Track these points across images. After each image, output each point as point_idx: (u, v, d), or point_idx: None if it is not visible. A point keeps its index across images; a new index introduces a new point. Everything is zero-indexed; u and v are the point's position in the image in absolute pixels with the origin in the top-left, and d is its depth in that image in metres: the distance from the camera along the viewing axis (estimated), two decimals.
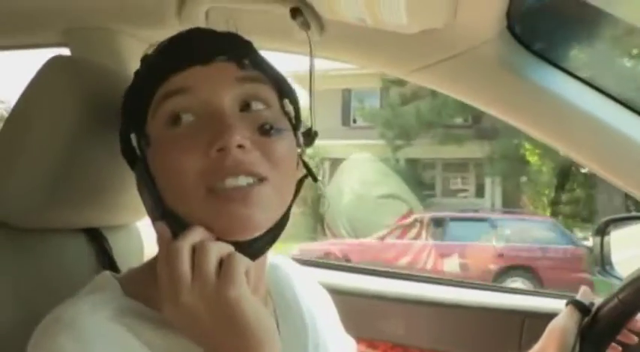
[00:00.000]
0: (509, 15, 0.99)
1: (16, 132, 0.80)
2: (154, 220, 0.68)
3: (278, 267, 0.89)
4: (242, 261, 0.63)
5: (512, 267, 8.22)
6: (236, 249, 0.64)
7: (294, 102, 0.75)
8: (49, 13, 1.12)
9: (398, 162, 12.34)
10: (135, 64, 0.77)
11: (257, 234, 0.67)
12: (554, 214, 12.14)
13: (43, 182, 0.78)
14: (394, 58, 1.15)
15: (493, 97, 1.14)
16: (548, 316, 1.00)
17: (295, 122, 0.74)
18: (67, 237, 0.89)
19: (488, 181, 12.86)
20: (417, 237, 8.65)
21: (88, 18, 1.10)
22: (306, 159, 0.77)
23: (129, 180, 0.77)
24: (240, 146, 0.64)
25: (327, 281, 1.02)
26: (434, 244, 8.40)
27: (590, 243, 10.63)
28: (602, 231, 1.21)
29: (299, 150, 0.74)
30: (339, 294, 0.99)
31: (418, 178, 12.73)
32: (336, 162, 11.17)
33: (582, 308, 0.96)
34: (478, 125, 12.43)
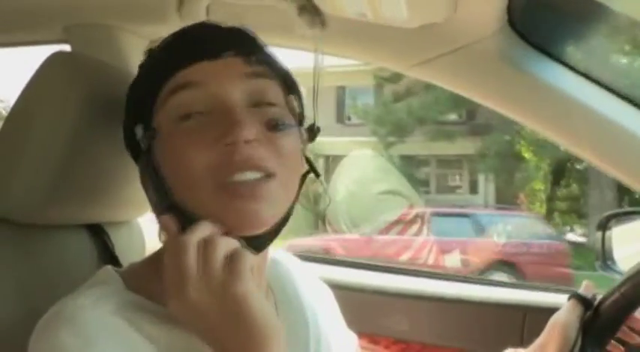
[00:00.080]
0: (510, 9, 0.99)
1: (18, 128, 0.80)
2: (158, 213, 0.68)
3: (279, 262, 0.89)
4: (248, 257, 0.63)
5: (495, 262, 8.25)
6: (240, 244, 0.65)
7: (299, 98, 0.76)
8: (50, 10, 1.11)
9: (391, 159, 12.32)
10: (135, 61, 0.77)
11: (264, 229, 0.67)
12: (550, 210, 12.15)
13: (45, 178, 0.78)
14: (395, 53, 1.15)
15: (494, 91, 1.14)
16: (550, 310, 0.99)
17: (300, 118, 0.74)
18: (69, 232, 0.89)
19: (481, 177, 12.84)
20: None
21: (88, 14, 1.10)
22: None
23: (131, 176, 0.77)
24: (248, 141, 0.65)
25: (328, 277, 1.03)
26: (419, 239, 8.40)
27: (583, 239, 10.72)
28: (603, 226, 1.21)
29: (302, 146, 0.74)
30: (340, 289, 1.00)
31: (412, 175, 12.72)
32: (329, 159, 11.17)
33: (584, 302, 0.96)
34: (472, 121, 12.43)
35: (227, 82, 0.68)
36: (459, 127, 12.61)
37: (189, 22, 0.75)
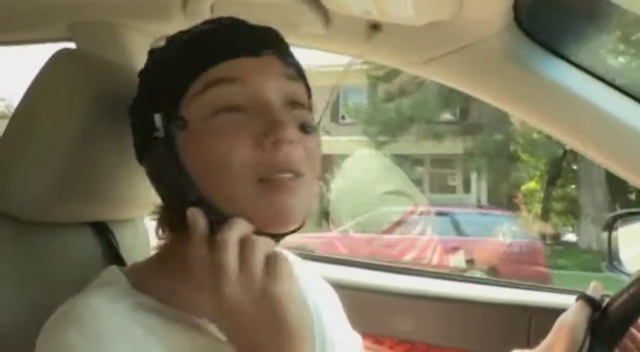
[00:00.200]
0: (516, 7, 0.98)
1: (24, 126, 0.80)
2: (177, 207, 0.67)
3: None
4: (288, 259, 0.63)
5: (472, 260, 8.28)
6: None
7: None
8: (54, 8, 1.12)
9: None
10: (140, 58, 0.77)
11: (293, 227, 0.67)
12: (545, 210, 12.17)
13: (51, 176, 0.78)
14: (400, 51, 1.14)
15: (500, 90, 1.13)
16: (557, 312, 0.99)
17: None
18: (74, 230, 0.89)
19: (473, 177, 12.83)
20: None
21: (92, 12, 1.10)
22: None
23: (136, 174, 0.77)
24: (290, 141, 0.65)
25: (331, 276, 1.02)
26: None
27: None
28: (609, 227, 1.20)
29: None
30: (344, 289, 0.99)
31: (406, 174, 12.71)
32: (323, 159, 11.16)
33: (592, 303, 0.95)
34: (466, 121, 12.42)
35: (267, 80, 0.68)
36: (452, 127, 12.60)
37: (193, 20, 0.76)
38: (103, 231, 0.94)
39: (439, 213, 9.15)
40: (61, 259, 0.85)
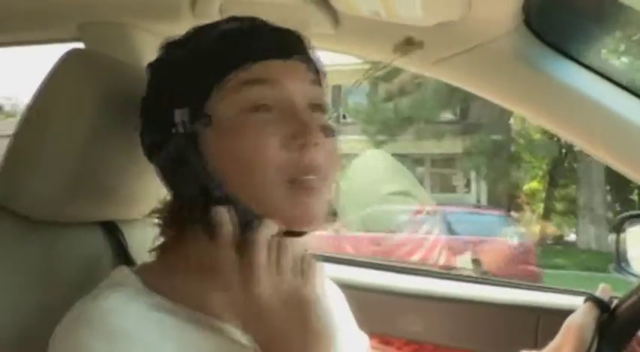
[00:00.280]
0: (526, 8, 0.98)
1: (35, 126, 0.80)
2: (196, 205, 0.67)
3: None
4: (317, 262, 0.64)
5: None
6: None
7: None
8: (64, 8, 1.12)
9: None
10: (149, 58, 0.77)
11: (317, 226, 0.69)
12: (547, 210, 12.15)
13: (61, 175, 0.78)
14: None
15: (509, 91, 1.13)
16: (564, 313, 0.98)
17: None
18: (84, 230, 0.89)
19: (473, 177, 12.79)
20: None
21: (102, 13, 1.11)
22: None
23: (145, 173, 0.77)
24: (316, 144, 0.67)
25: (339, 276, 1.02)
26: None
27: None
28: (618, 228, 1.20)
29: None
30: (351, 289, 0.99)
31: None
32: None
33: (601, 305, 0.95)
34: (466, 120, 12.39)
35: (294, 83, 0.69)
36: (452, 126, 12.57)
37: (202, 20, 0.76)
38: (112, 231, 0.94)
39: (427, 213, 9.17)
40: (71, 258, 0.86)
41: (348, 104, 13.35)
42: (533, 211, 12.70)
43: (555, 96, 1.07)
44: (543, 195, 12.66)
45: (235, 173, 0.66)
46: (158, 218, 0.75)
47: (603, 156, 1.12)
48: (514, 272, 7.48)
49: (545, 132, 11.11)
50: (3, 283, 0.76)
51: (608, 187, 11.41)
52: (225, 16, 0.76)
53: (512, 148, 12.12)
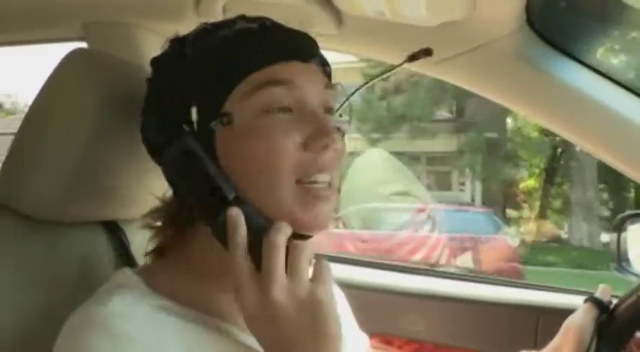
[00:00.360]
0: (529, 8, 0.98)
1: (38, 125, 0.80)
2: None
3: None
4: (329, 265, 0.64)
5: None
6: None
7: None
8: (67, 8, 1.12)
9: None
10: None
11: (324, 230, 0.69)
12: (543, 208, 12.16)
13: (64, 175, 0.78)
14: (412, 52, 1.14)
15: (512, 90, 1.13)
16: (564, 312, 0.99)
17: None
18: (85, 229, 0.89)
19: (468, 174, 12.76)
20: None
21: (105, 12, 1.11)
22: None
23: (147, 172, 0.77)
24: (335, 145, 0.68)
25: (339, 276, 1.02)
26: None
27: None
28: (618, 227, 1.20)
29: None
30: (352, 288, 0.99)
31: None
32: None
33: (600, 306, 0.95)
34: (461, 118, 12.37)
35: (312, 85, 0.70)
36: (446, 124, 12.54)
37: (206, 19, 0.75)
38: (114, 230, 0.94)
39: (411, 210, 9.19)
40: (73, 258, 0.86)
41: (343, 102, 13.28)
42: (530, 209, 12.72)
43: (558, 95, 1.07)
44: (540, 193, 12.68)
45: (248, 173, 0.66)
46: (158, 218, 0.75)
47: (604, 155, 1.12)
48: (495, 270, 7.62)
49: (542, 130, 11.16)
50: (5, 283, 0.76)
51: (602, 185, 11.44)
52: (229, 15, 0.75)
53: (509, 146, 12.11)
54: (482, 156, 11.59)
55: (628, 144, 1.08)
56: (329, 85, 0.73)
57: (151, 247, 0.76)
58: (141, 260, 0.86)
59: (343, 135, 0.72)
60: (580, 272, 8.45)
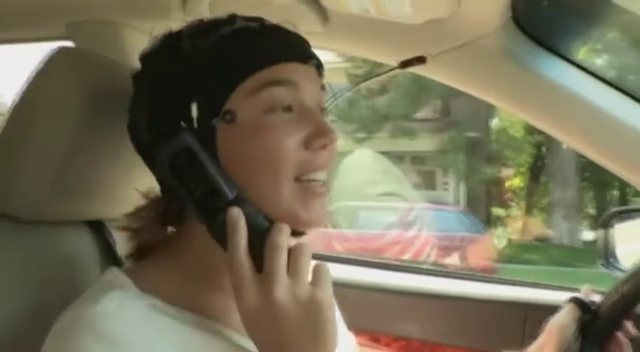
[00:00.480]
0: (514, 5, 0.99)
1: (21, 124, 0.80)
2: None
3: None
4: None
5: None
6: None
7: None
8: (53, 7, 1.11)
9: None
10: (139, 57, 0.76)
11: (321, 226, 0.70)
12: (528, 207, 12.24)
13: (48, 174, 0.78)
14: (398, 49, 1.14)
15: (497, 88, 1.14)
16: (552, 308, 0.99)
17: None
18: (71, 229, 0.89)
19: (451, 174, 12.79)
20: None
21: (91, 11, 1.10)
22: None
23: (133, 171, 0.76)
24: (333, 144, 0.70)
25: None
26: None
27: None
28: (606, 224, 1.21)
29: None
30: (340, 287, 0.99)
31: None
32: None
33: (582, 306, 0.96)
34: (447, 118, 12.41)
35: (311, 86, 0.71)
36: (433, 124, 12.57)
37: (192, 18, 0.75)
38: (99, 230, 0.94)
39: (387, 209, 9.24)
40: (59, 258, 0.85)
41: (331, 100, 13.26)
42: (517, 208, 12.78)
43: (543, 92, 1.08)
44: (525, 192, 12.76)
45: (248, 172, 0.66)
46: (143, 217, 0.74)
47: (588, 151, 1.13)
48: (473, 266, 7.75)
49: (526, 129, 11.23)
50: None
51: (585, 183, 11.53)
52: (216, 14, 0.75)
53: (493, 146, 12.17)
54: (464, 155, 11.63)
55: (612, 141, 1.08)
56: (323, 86, 0.74)
57: (134, 246, 0.75)
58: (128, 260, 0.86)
59: (336, 136, 0.72)
60: (553, 269, 8.56)
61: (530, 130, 11.22)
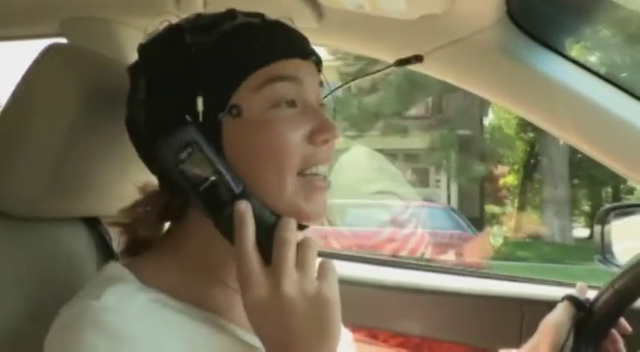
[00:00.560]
0: (509, 0, 0.99)
1: (15, 120, 0.79)
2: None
3: None
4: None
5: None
6: None
7: None
8: (47, 4, 1.11)
9: None
10: (133, 54, 0.76)
11: (321, 220, 0.72)
12: (521, 205, 12.27)
13: (43, 171, 0.77)
14: (393, 45, 1.14)
15: (492, 83, 1.14)
16: (548, 303, 1.00)
17: None
18: (67, 226, 0.89)
19: (443, 171, 12.79)
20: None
21: (85, 8, 1.10)
22: None
23: (128, 168, 0.76)
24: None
25: None
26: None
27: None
28: (602, 220, 1.21)
29: None
30: (338, 283, 0.99)
31: None
32: None
33: (577, 303, 0.97)
34: (439, 115, 12.42)
35: (313, 82, 0.73)
36: (425, 121, 12.57)
37: (187, 14, 0.75)
38: (95, 226, 0.94)
39: (375, 206, 9.26)
40: (55, 255, 0.85)
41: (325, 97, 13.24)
42: (511, 205, 12.81)
43: (538, 87, 1.08)
44: (518, 189, 12.78)
45: (253, 165, 0.66)
46: (140, 212, 0.73)
47: (583, 146, 1.13)
48: (461, 265, 7.73)
49: (520, 127, 11.26)
50: None
51: (577, 181, 11.57)
52: (210, 10, 0.75)
53: (487, 144, 12.19)
54: (456, 153, 11.64)
55: (607, 135, 1.09)
56: (321, 82, 0.75)
57: (129, 241, 0.75)
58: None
59: None
60: (552, 267, 8.59)
61: (524, 128, 11.25)
